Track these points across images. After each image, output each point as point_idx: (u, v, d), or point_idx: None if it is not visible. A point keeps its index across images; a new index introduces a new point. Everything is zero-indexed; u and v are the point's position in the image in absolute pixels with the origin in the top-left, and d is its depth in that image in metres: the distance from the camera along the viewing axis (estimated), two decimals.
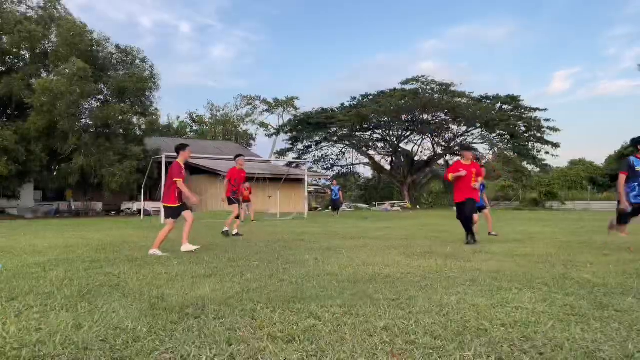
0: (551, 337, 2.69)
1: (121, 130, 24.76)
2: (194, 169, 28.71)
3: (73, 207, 27.22)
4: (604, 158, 58.80)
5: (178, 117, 57.95)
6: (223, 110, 57.01)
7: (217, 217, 19.10)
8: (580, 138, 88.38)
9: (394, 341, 2.63)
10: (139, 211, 23.36)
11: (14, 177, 20.90)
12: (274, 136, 52.71)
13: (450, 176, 8.29)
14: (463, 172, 8.15)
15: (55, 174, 24.69)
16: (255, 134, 59.24)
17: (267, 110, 55.98)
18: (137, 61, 25.86)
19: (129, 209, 26.99)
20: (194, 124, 57.99)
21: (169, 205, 7.16)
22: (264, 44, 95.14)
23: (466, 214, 8.27)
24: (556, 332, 2.79)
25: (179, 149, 7.43)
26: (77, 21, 24.02)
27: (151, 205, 25.04)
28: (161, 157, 18.62)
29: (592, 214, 28.18)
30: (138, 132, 26.30)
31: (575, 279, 4.66)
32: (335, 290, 4.03)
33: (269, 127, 55.19)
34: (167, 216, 7.27)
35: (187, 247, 7.31)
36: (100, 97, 25.32)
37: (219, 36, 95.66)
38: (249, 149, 50.35)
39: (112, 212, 26.71)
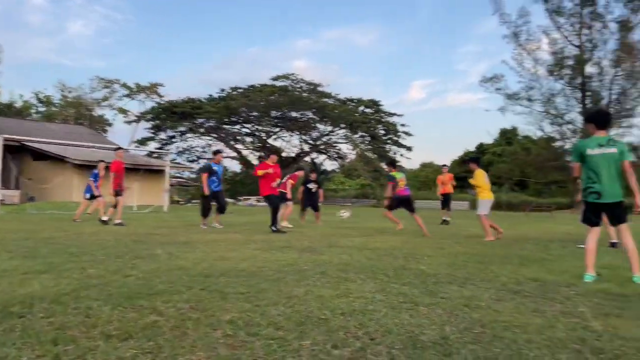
0: (383, 324, 2.92)
1: None
2: (37, 154, 25.79)
3: None
4: (449, 162, 65.55)
5: (21, 96, 51.56)
6: (76, 91, 52.00)
7: (63, 208, 17.45)
8: (430, 143, 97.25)
9: (237, 334, 2.64)
10: None
11: None
12: (134, 123, 49.63)
13: (260, 172, 9.87)
14: (270, 170, 9.90)
15: None
16: (113, 120, 55.09)
17: (127, 96, 52.19)
18: None
19: None
20: (40, 104, 52.05)
21: None
22: (128, 24, 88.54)
23: (273, 205, 9.91)
24: (388, 319, 3.03)
25: None
26: None
27: None
28: None
29: (436, 211, 31.19)
30: None
31: (412, 269, 5.12)
32: (185, 285, 3.93)
33: (129, 113, 51.72)
34: None
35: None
36: None
37: (77, 10, 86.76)
38: (105, 135, 46.69)
39: None
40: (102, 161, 12.75)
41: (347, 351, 2.43)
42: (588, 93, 32.05)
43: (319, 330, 2.75)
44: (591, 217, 4.84)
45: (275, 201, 9.99)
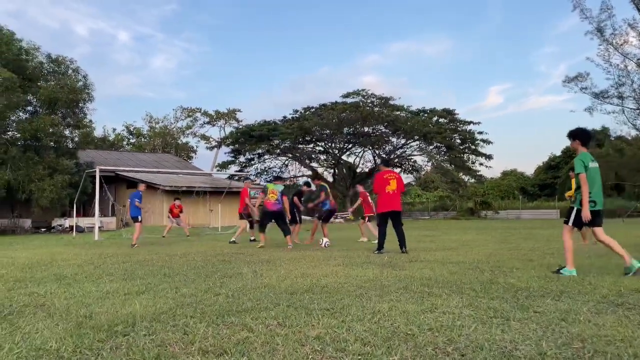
0: (473, 339, 2.83)
1: (52, 143, 23.61)
2: (131, 182, 27.74)
3: None
4: (534, 168, 62.26)
5: (114, 129, 55.91)
6: (162, 122, 55.62)
7: (154, 232, 18.56)
8: (511, 150, 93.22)
9: (325, 350, 2.68)
10: (72, 227, 22.24)
11: None
12: (216, 149, 52.06)
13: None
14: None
15: None
16: (196, 147, 58.14)
17: (208, 123, 55.06)
18: (70, 71, 24.79)
19: (60, 225, 25.57)
20: (131, 136, 56.15)
21: None
22: (205, 55, 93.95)
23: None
24: (478, 334, 2.94)
25: None
26: (4, 29, 22.80)
27: (85, 221, 23.92)
28: (95, 171, 17.88)
29: (522, 222, 29.73)
30: (70, 145, 25.18)
31: (501, 283, 4.91)
32: (272, 302, 4.04)
33: (210, 139, 54.34)
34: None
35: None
36: (29, 108, 24.08)
37: (159, 46, 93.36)
38: (190, 161, 49.30)
39: (42, 229, 25.25)
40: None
41: None
42: None
43: (406, 345, 2.72)
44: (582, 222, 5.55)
45: None
